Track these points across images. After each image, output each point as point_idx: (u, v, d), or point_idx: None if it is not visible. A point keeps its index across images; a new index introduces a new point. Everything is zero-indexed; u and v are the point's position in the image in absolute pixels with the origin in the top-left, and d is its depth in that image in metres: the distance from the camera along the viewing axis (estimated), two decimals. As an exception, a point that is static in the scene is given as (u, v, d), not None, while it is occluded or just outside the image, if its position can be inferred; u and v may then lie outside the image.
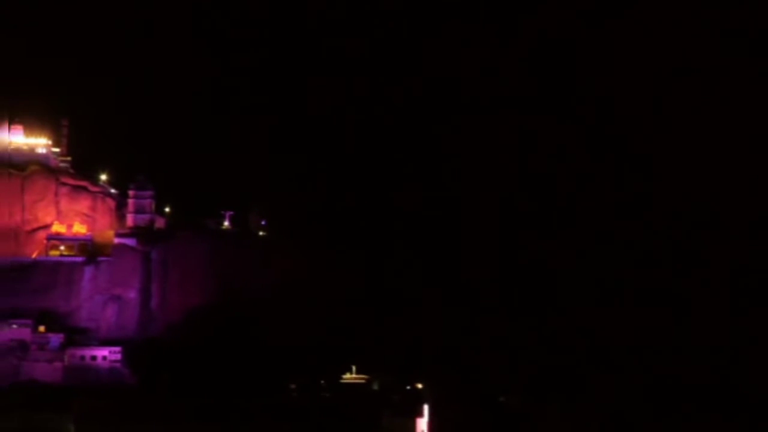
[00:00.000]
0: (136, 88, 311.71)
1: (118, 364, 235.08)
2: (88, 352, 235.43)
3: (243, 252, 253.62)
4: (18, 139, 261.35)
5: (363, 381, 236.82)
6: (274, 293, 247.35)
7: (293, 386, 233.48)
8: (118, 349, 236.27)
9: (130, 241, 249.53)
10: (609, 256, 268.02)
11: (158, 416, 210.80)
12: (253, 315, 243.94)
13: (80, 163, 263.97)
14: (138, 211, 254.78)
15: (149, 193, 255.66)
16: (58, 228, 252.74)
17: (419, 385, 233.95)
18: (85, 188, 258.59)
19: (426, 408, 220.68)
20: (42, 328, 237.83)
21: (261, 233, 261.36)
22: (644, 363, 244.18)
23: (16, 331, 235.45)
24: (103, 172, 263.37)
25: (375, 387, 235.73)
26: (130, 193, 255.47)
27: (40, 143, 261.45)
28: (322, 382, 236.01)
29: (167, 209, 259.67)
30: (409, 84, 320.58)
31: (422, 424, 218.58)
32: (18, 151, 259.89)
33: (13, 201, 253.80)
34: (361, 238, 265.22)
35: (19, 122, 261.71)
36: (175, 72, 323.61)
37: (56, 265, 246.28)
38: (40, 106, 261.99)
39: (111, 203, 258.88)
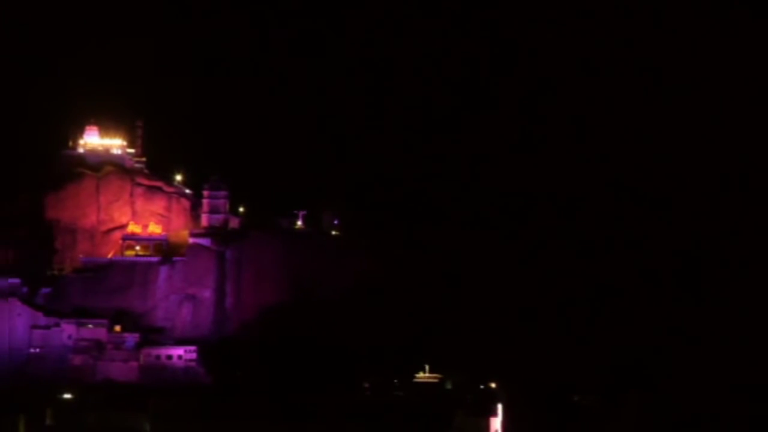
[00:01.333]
0: (210, 88, 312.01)
1: (193, 364, 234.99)
2: (164, 352, 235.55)
3: (316, 251, 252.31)
4: (93, 140, 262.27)
5: (436, 380, 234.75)
6: (347, 292, 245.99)
7: (366, 385, 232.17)
8: (193, 348, 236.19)
9: (205, 241, 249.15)
10: (685, 250, 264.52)
11: (233, 415, 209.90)
12: (327, 314, 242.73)
13: (155, 163, 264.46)
14: (212, 211, 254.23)
15: (223, 193, 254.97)
16: (133, 228, 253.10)
17: (493, 384, 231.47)
18: (160, 189, 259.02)
19: (499, 407, 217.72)
20: (118, 328, 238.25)
21: (334, 232, 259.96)
22: (721, 359, 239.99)
23: (92, 330, 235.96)
24: (177, 172, 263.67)
25: (448, 386, 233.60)
26: (205, 193, 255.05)
27: (115, 144, 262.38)
28: (396, 381, 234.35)
29: (241, 209, 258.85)
30: (488, 80, 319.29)
31: (496, 423, 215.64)
32: (93, 152, 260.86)
33: (89, 202, 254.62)
34: (435, 237, 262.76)
35: (95, 123, 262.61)
36: (249, 71, 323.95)
37: (132, 265, 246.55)
38: (115, 107, 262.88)
39: (186, 203, 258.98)
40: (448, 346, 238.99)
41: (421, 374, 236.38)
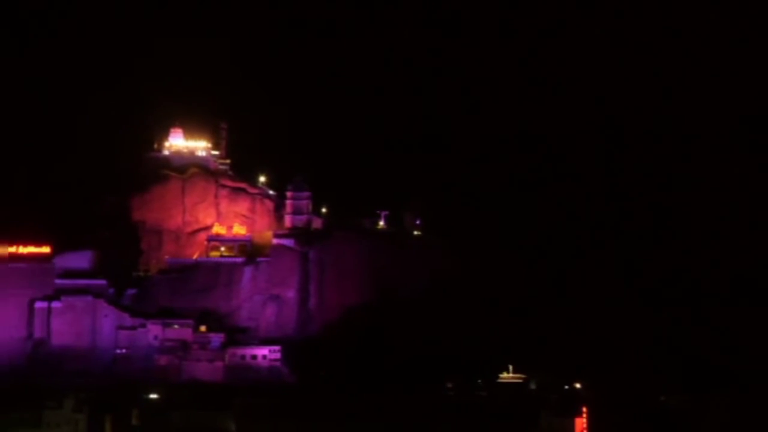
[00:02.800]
0: (293, 90, 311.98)
1: (277, 363, 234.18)
2: (248, 351, 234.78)
3: (398, 251, 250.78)
4: (178, 142, 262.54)
5: (520, 380, 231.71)
6: (429, 292, 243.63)
7: (450, 385, 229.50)
8: (277, 348, 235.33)
9: (288, 242, 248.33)
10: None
11: (317, 414, 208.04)
12: (409, 314, 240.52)
13: (239, 165, 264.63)
14: (296, 212, 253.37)
15: (306, 194, 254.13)
16: (218, 229, 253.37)
17: (577, 385, 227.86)
18: (244, 190, 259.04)
19: (585, 408, 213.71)
20: (203, 328, 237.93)
21: (416, 233, 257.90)
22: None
23: (177, 331, 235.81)
24: (261, 174, 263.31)
25: (532, 386, 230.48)
26: (288, 194, 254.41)
27: (200, 146, 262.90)
28: (479, 381, 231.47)
29: (324, 210, 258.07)
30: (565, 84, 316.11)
31: (581, 424, 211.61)
32: (178, 155, 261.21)
33: (174, 203, 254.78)
34: (517, 237, 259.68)
35: (180, 126, 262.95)
36: (332, 74, 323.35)
37: (216, 266, 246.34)
38: (200, 109, 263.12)
39: (269, 204, 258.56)
40: (533, 346, 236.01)
41: (504, 374, 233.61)
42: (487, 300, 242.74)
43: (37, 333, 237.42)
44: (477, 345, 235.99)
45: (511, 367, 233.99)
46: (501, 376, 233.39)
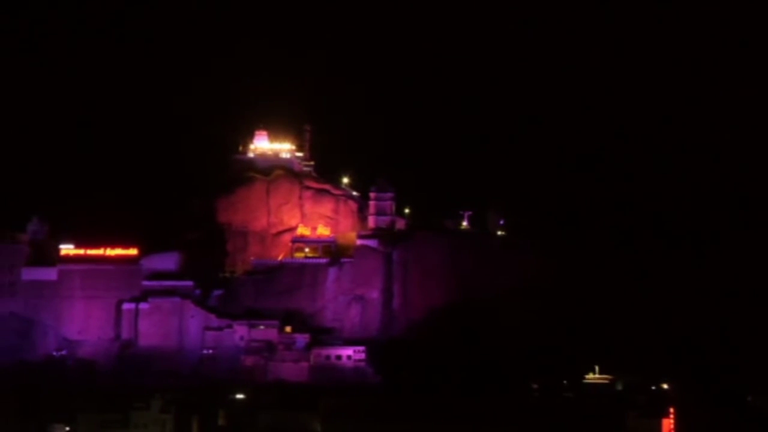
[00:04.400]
0: (375, 92, 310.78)
1: (362, 363, 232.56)
2: (333, 352, 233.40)
3: (482, 252, 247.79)
4: (263, 144, 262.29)
5: (606, 381, 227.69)
6: (513, 293, 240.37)
7: (535, 386, 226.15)
8: (361, 348, 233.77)
9: (372, 243, 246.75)
10: None
11: (402, 415, 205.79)
12: (493, 314, 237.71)
13: (323, 166, 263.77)
14: (379, 212, 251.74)
15: (389, 195, 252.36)
16: (302, 231, 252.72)
17: (665, 385, 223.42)
18: (327, 191, 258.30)
19: (672, 409, 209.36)
20: (288, 329, 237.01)
21: (499, 233, 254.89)
22: None
23: (263, 331, 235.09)
24: (344, 175, 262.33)
25: (619, 387, 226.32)
26: (371, 195, 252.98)
27: (284, 148, 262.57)
28: (565, 382, 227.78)
29: (407, 210, 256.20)
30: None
31: (668, 425, 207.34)
32: (263, 157, 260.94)
33: (259, 205, 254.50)
34: (601, 236, 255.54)
35: (264, 128, 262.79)
36: (413, 74, 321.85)
37: (301, 267, 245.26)
38: (284, 112, 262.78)
39: (353, 205, 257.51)
40: (619, 346, 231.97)
41: (590, 375, 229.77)
42: (573, 300, 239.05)
43: (125, 334, 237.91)
44: (562, 345, 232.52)
45: (597, 368, 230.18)
46: (587, 376, 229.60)
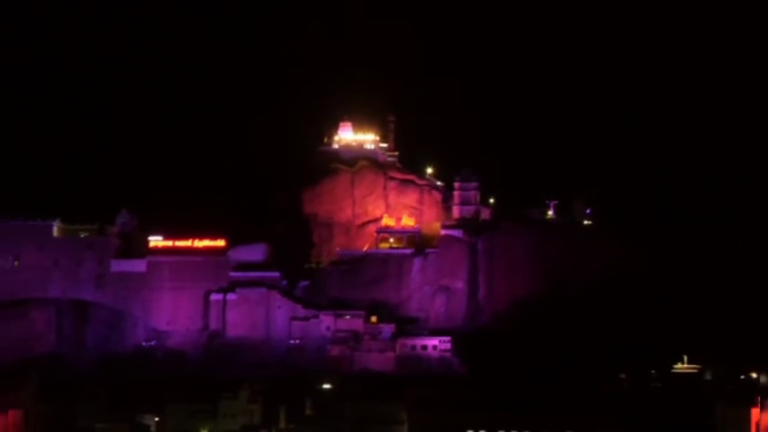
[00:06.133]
0: (459, 82, 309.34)
1: (447, 354, 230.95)
2: (419, 342, 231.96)
3: (568, 241, 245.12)
4: (348, 136, 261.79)
5: (695, 370, 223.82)
6: (600, 283, 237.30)
7: (623, 376, 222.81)
8: (447, 338, 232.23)
9: (457, 233, 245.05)
10: None
11: (488, 405, 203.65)
12: (580, 305, 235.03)
13: (407, 157, 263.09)
14: (463, 202, 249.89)
15: (474, 184, 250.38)
16: (387, 221, 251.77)
17: (754, 375, 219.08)
18: (412, 182, 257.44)
19: (761, 398, 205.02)
20: (374, 319, 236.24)
21: (586, 222, 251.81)
22: None
23: (349, 321, 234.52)
24: (429, 165, 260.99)
25: (707, 377, 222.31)
26: (456, 185, 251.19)
27: (368, 139, 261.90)
28: (653, 371, 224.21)
29: (492, 200, 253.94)
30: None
31: (757, 414, 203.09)
32: (348, 148, 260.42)
33: (344, 196, 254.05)
34: (691, 224, 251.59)
35: (349, 120, 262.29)
36: (496, 63, 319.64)
37: (386, 258, 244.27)
38: (368, 103, 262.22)
39: (437, 196, 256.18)
40: (707, 335, 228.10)
41: (679, 365, 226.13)
42: (662, 289, 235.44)
43: (213, 325, 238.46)
44: (650, 335, 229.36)
45: (685, 358, 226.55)
46: (675, 366, 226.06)
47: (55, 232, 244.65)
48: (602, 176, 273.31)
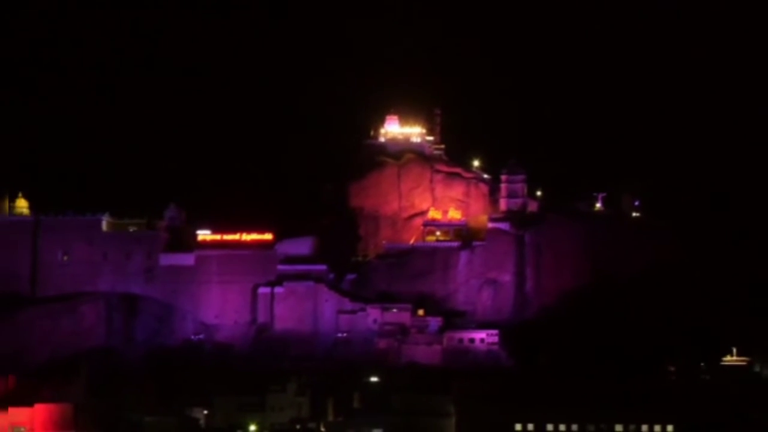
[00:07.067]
0: (504, 74, 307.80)
1: (495, 347, 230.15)
2: (466, 335, 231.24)
3: (616, 234, 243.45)
4: (394, 129, 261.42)
5: (744, 363, 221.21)
6: (648, 275, 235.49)
7: (672, 369, 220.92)
8: (494, 331, 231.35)
9: (504, 225, 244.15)
10: None
11: (536, 398, 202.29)
12: (628, 297, 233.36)
13: (453, 150, 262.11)
14: (510, 195, 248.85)
15: (521, 177, 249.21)
16: (433, 214, 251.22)
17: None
18: (458, 175, 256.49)
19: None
20: (421, 312, 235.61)
21: (634, 214, 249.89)
22: None
23: (396, 314, 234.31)
24: (475, 158, 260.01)
25: (757, 369, 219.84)
26: (502, 177, 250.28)
27: (414, 132, 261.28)
28: (702, 364, 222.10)
29: (539, 192, 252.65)
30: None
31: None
32: (394, 141, 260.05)
33: (390, 189, 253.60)
34: (740, 216, 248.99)
35: (395, 113, 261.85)
36: (541, 54, 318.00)
37: (433, 251, 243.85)
38: (414, 96, 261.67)
39: (484, 188, 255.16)
40: (757, 328, 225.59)
41: (728, 357, 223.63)
42: (710, 282, 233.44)
43: (261, 318, 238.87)
44: (699, 328, 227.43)
45: (734, 350, 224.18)
46: (724, 359, 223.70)
47: (104, 226, 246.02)
48: (651, 168, 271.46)
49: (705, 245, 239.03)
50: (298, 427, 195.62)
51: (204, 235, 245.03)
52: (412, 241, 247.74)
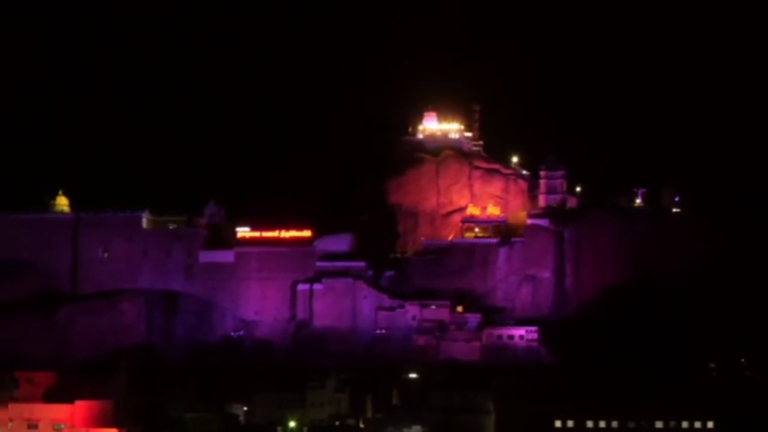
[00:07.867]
0: (543, 70, 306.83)
1: (534, 343, 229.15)
2: (505, 332, 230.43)
3: (656, 230, 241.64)
4: (432, 125, 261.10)
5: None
6: (689, 271, 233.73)
7: (712, 365, 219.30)
8: (534, 328, 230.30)
9: (543, 222, 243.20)
10: None
11: (576, 395, 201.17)
12: (669, 294, 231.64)
13: (492, 146, 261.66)
14: (549, 191, 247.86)
15: (560, 173, 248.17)
16: (472, 210, 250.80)
17: None
18: (497, 171, 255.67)
19: None
20: (460, 309, 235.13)
21: (675, 210, 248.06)
22: None
23: (435, 311, 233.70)
24: (514, 154, 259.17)
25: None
26: (542, 173, 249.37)
27: (453, 129, 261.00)
28: (743, 360, 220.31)
29: (578, 188, 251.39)
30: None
31: None
32: (432, 138, 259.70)
33: (429, 186, 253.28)
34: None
35: (433, 109, 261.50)
36: (583, 49, 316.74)
37: (471, 247, 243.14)
38: (452, 92, 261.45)
39: (522, 185, 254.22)
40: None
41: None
42: (752, 278, 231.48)
43: (300, 314, 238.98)
44: (742, 324, 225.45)
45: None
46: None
47: (144, 223, 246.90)
48: (691, 163, 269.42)
49: (746, 240, 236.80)
50: (337, 423, 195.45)
51: (243, 232, 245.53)
52: (450, 238, 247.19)
